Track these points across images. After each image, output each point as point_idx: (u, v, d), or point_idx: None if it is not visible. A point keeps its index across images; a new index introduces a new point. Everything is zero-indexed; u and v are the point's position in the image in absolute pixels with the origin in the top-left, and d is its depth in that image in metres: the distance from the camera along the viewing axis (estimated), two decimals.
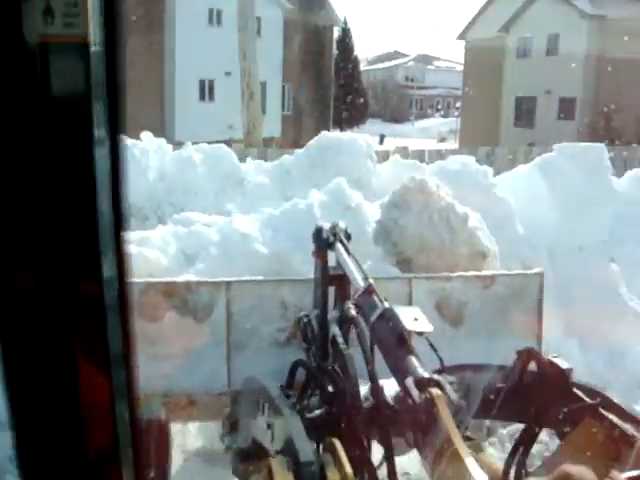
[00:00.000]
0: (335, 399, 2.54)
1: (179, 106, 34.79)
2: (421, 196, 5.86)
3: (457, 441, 1.75)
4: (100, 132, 0.74)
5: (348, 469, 1.76)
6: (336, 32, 51.44)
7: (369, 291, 2.85)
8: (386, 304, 2.60)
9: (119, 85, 0.75)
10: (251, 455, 2.55)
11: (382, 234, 5.99)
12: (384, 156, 9.77)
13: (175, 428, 4.70)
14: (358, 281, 3.08)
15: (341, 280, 3.55)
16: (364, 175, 8.58)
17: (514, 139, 35.01)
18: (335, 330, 3.36)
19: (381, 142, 44.94)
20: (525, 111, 41.46)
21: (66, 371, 0.72)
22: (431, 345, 2.48)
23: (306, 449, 1.86)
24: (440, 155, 10.74)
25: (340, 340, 3.17)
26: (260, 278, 5.15)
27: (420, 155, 10.71)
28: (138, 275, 5.67)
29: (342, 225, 3.95)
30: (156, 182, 8.38)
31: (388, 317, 2.50)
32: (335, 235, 3.82)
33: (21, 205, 0.68)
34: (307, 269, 4.63)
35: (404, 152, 10.35)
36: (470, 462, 1.68)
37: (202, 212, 7.49)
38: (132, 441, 0.78)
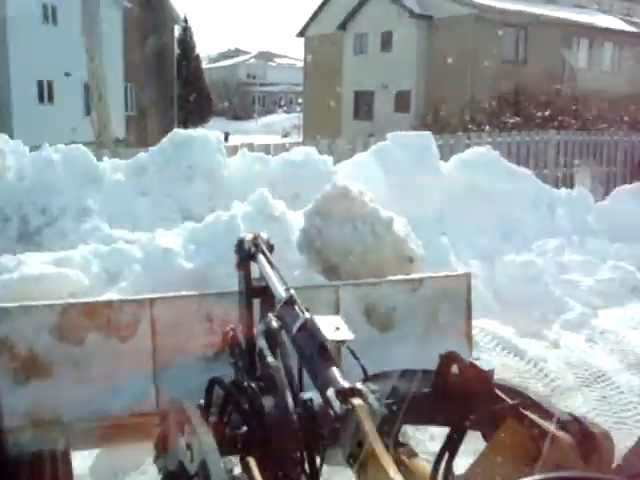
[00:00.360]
0: (252, 416, 2.49)
1: (17, 109, 33.72)
2: (343, 203, 5.85)
3: (379, 450, 1.71)
4: None
5: None
6: (177, 31, 52.00)
7: (290, 302, 2.80)
8: (307, 315, 2.55)
9: None
10: (177, 477, 2.47)
11: (306, 242, 5.96)
12: (233, 151, 10.18)
13: (103, 453, 4.57)
14: (279, 292, 3.03)
15: (265, 292, 3.49)
16: (216, 168, 9.07)
17: (354, 131, 36.12)
18: (262, 343, 3.30)
19: (226, 139, 45.67)
20: (364, 105, 42.91)
21: None
22: (353, 354, 2.45)
23: (218, 472, 1.80)
24: (284, 148, 11.16)
25: (267, 353, 3.11)
26: (184, 293, 5.05)
27: (266, 149, 11.15)
28: (59, 296, 5.50)
29: (264, 236, 3.89)
30: (15, 183, 8.50)
31: (309, 328, 2.45)
32: (257, 246, 3.76)
33: None
34: (233, 282, 4.56)
35: (250, 147, 10.83)
36: (392, 470, 1.64)
37: (62, 210, 8.03)
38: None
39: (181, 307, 4.81)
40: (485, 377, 2.14)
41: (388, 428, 2.13)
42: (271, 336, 2.95)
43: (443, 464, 2.11)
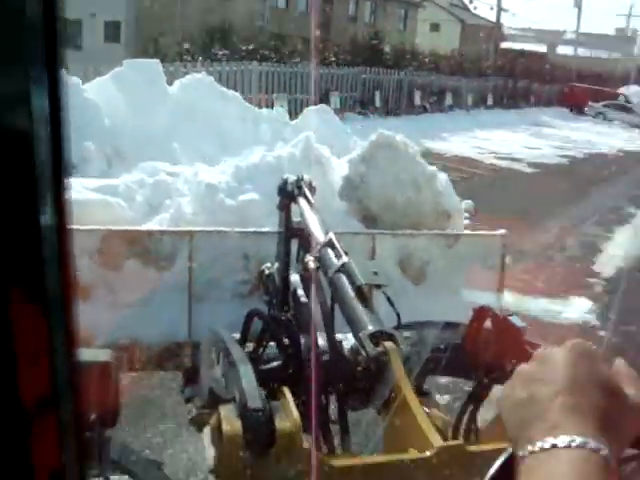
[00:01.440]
0: (289, 349, 2.49)
1: None
2: (389, 153, 5.77)
3: (407, 392, 1.70)
4: (36, 66, 0.64)
5: (296, 417, 1.72)
6: None
7: (330, 244, 2.78)
8: (345, 258, 2.53)
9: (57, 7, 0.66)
10: (207, 405, 2.50)
11: (348, 190, 5.91)
12: None
13: (133, 378, 4.64)
14: (319, 234, 3.01)
15: (304, 233, 3.47)
16: None
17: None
18: (296, 283, 3.30)
19: None
20: (71, 35, 41.53)
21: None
22: (388, 300, 2.43)
23: (255, 396, 1.80)
24: None
25: (300, 293, 3.12)
26: (224, 229, 5.05)
27: None
28: (101, 223, 5.55)
29: (307, 178, 3.85)
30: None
31: (346, 270, 2.44)
32: (299, 188, 3.73)
33: None
34: (273, 222, 4.56)
35: None
36: (418, 412, 1.64)
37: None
38: (72, 386, 0.71)
39: (220, 242, 4.82)
40: (518, 333, 2.11)
41: (415, 374, 2.12)
42: (308, 276, 2.95)
43: (466, 416, 2.10)
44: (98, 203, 5.89)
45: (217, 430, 1.65)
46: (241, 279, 4.78)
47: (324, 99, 20.82)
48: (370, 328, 2.03)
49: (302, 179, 3.80)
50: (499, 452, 0.90)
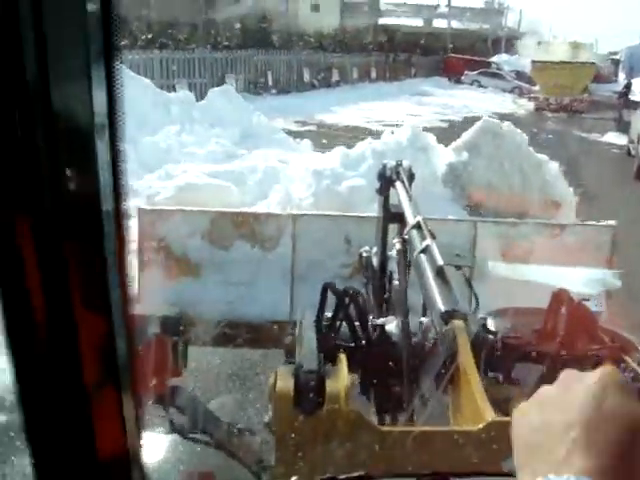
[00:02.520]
0: (357, 322, 2.58)
1: None
2: (493, 140, 5.72)
3: (469, 369, 1.75)
4: (96, 65, 0.68)
5: (346, 381, 1.80)
6: None
7: (417, 227, 2.84)
8: (428, 240, 2.58)
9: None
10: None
11: (451, 177, 5.90)
12: None
13: (235, 354, 4.83)
14: (409, 217, 3.07)
15: (402, 218, 3.53)
16: None
17: None
18: (392, 266, 3.37)
19: None
20: None
21: (61, 308, 0.71)
22: (467, 281, 2.47)
23: (311, 359, 1.89)
24: None
25: (395, 276, 3.18)
26: (326, 213, 5.18)
27: None
28: (215, 205, 5.81)
29: (405, 164, 3.90)
30: None
31: (429, 251, 2.49)
32: (398, 174, 3.79)
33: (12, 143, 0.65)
34: (376, 207, 4.63)
35: None
36: (477, 388, 1.68)
37: None
38: (131, 368, 0.81)
39: (322, 226, 4.94)
40: (592, 318, 2.11)
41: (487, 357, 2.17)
42: (398, 258, 3.02)
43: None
44: (212, 187, 6.15)
45: (273, 387, 1.75)
46: (342, 262, 4.89)
47: (220, 82, 22.03)
48: (442, 307, 2.08)
49: (401, 165, 3.86)
50: None
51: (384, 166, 3.91)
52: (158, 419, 1.73)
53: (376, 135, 17.89)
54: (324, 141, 14.89)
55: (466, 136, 6.01)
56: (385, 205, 3.86)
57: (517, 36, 64.43)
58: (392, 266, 3.41)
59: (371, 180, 5.37)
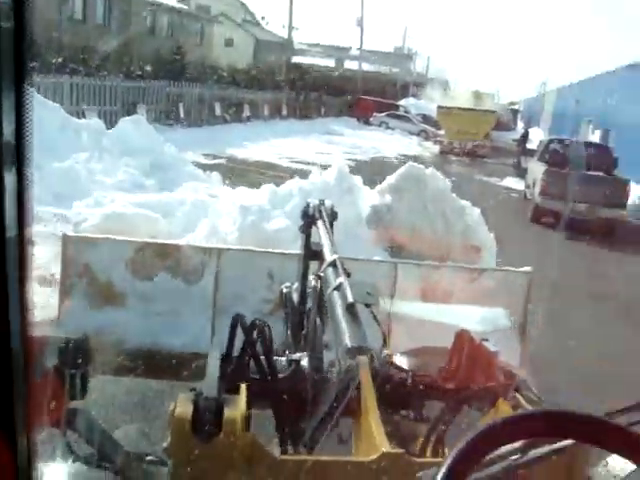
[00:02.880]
0: (261, 356, 2.64)
1: None
2: (417, 184, 5.91)
3: (369, 401, 1.83)
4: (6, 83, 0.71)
5: (243, 410, 1.84)
6: None
7: (333, 264, 2.92)
8: (342, 278, 2.67)
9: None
10: None
11: (375, 218, 6.06)
12: None
13: (146, 384, 4.79)
14: (327, 255, 3.16)
15: (322, 256, 3.61)
16: None
17: None
18: (310, 303, 3.44)
19: None
20: None
21: None
22: (375, 318, 2.56)
23: (212, 386, 1.92)
24: None
25: (313, 312, 3.25)
26: (250, 248, 5.24)
27: None
28: (142, 235, 5.81)
29: (328, 204, 4.00)
30: None
31: (342, 288, 2.57)
32: (320, 212, 3.88)
33: None
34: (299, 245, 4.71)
35: None
36: (374, 420, 1.75)
37: None
38: (24, 403, 0.80)
39: (245, 261, 5.00)
40: (490, 357, 2.22)
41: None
42: (311, 294, 3.10)
43: (435, 434, 2.21)
44: (140, 217, 6.15)
45: (172, 413, 1.78)
46: (264, 297, 4.95)
47: (131, 111, 21.96)
48: (348, 343, 2.15)
49: (323, 204, 3.96)
50: (437, 465, 1.03)
51: (307, 205, 4.00)
52: (55, 444, 1.73)
53: (286, 172, 17.37)
54: (233, 176, 14.80)
55: (391, 179, 6.19)
56: (307, 243, 3.93)
57: (424, 81, 66.74)
58: (310, 302, 3.48)
59: (296, 218, 5.48)
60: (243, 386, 1.95)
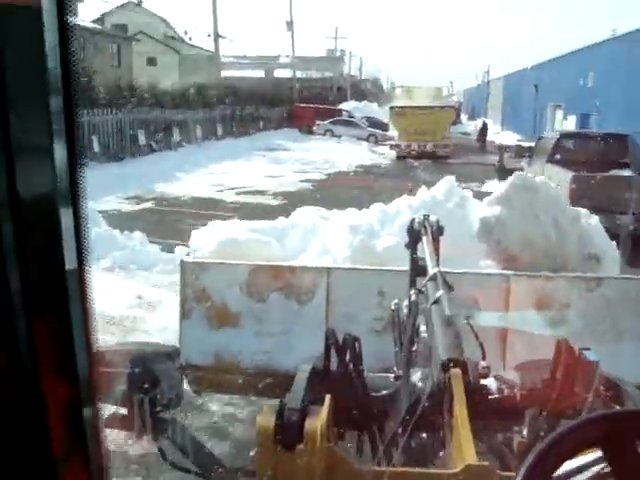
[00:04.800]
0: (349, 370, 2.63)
1: None
2: (526, 193, 5.75)
3: (461, 414, 1.79)
4: (56, 116, 0.72)
5: (325, 421, 1.85)
6: None
7: (434, 279, 2.90)
8: (441, 291, 2.65)
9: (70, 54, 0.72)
10: None
11: (485, 231, 5.93)
12: None
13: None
14: (429, 269, 3.14)
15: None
16: None
17: None
18: (420, 319, 3.42)
19: None
20: None
21: (27, 373, 0.72)
22: (473, 331, 2.51)
23: (296, 397, 1.94)
24: None
25: (423, 327, 3.23)
26: (359, 267, 5.25)
27: None
28: (253, 260, 5.95)
29: (433, 218, 3.98)
30: None
31: (441, 302, 2.55)
32: (425, 228, 3.86)
33: None
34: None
35: None
36: (464, 432, 1.71)
37: None
38: (96, 440, 0.84)
39: (355, 279, 5.01)
40: (592, 367, 2.13)
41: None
42: (412, 309, 3.08)
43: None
44: (253, 242, 6.31)
45: (257, 422, 1.82)
46: (375, 315, 4.94)
47: None
48: (443, 356, 2.13)
49: (427, 219, 3.93)
50: None
51: (412, 221, 3.99)
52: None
53: (233, 209, 15.00)
54: (162, 227, 11.71)
55: (500, 190, 6.06)
56: (413, 258, 3.92)
57: (359, 83, 65.17)
58: (420, 319, 3.46)
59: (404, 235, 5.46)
60: (327, 398, 1.97)
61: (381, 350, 4.07)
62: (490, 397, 2.25)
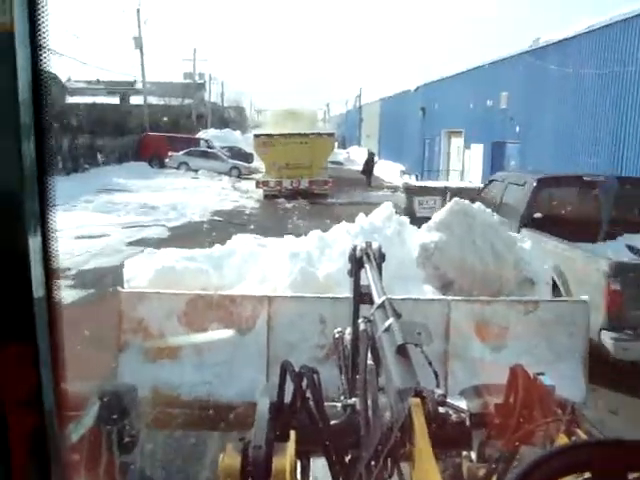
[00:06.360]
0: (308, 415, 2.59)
1: None
2: (464, 219, 5.85)
3: (424, 445, 1.77)
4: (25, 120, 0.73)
5: (292, 458, 1.81)
6: None
7: (382, 306, 2.89)
8: (391, 319, 2.63)
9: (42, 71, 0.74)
10: None
11: (424, 257, 6.00)
12: None
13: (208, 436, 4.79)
14: (375, 297, 3.12)
15: (372, 298, 3.57)
16: None
17: None
18: (363, 347, 3.40)
19: None
20: None
21: None
22: (427, 358, 2.50)
23: (260, 434, 1.90)
24: None
25: (363, 357, 3.21)
26: (300, 294, 5.24)
27: None
28: (190, 289, 5.86)
29: (375, 245, 3.98)
30: None
31: (391, 330, 2.53)
32: (367, 255, 3.86)
33: None
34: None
35: None
36: (430, 465, 1.69)
37: None
38: (60, 471, 0.81)
39: (297, 307, 5.00)
40: (547, 392, 2.15)
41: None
42: (361, 338, 3.06)
43: (495, 474, 2.14)
44: (190, 270, 6.21)
45: (221, 462, 1.77)
46: (317, 343, 4.92)
47: None
48: (399, 385, 2.10)
49: (370, 246, 3.93)
50: None
51: (354, 248, 3.98)
52: None
53: None
54: None
55: (439, 216, 6.14)
56: (356, 286, 3.90)
57: (221, 110, 60.22)
58: (362, 346, 3.44)
59: (346, 262, 5.46)
60: (292, 434, 1.92)
61: (324, 379, 4.02)
62: (448, 424, 2.24)
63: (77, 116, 33.18)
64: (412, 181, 25.04)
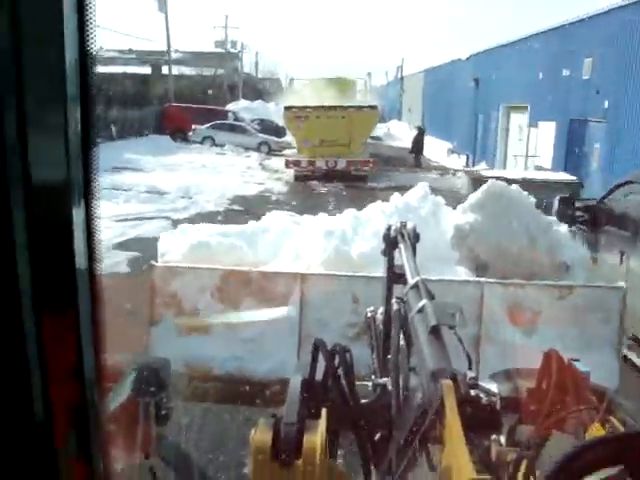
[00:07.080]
0: (335, 383, 2.60)
1: None
2: (500, 201, 5.79)
3: (454, 427, 1.77)
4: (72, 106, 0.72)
5: (323, 435, 1.82)
6: None
7: (415, 287, 2.88)
8: (424, 300, 2.62)
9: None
10: None
11: (459, 238, 5.96)
12: None
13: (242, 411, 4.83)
14: (409, 278, 3.11)
15: (406, 278, 3.56)
16: None
17: None
18: (395, 326, 3.40)
19: None
20: None
21: (33, 333, 0.72)
22: (459, 340, 2.49)
23: (292, 411, 1.91)
24: None
25: (396, 337, 3.21)
26: (333, 272, 5.24)
27: None
28: (224, 264, 5.89)
29: (409, 225, 3.96)
30: None
31: (425, 311, 2.53)
32: (402, 235, 3.84)
33: None
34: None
35: None
36: (460, 446, 1.69)
37: None
38: (100, 441, 0.83)
39: (329, 285, 5.01)
40: (582, 378, 2.13)
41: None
42: (394, 318, 3.06)
43: (526, 460, 2.12)
44: (224, 246, 6.25)
45: (252, 439, 1.78)
46: (349, 321, 4.93)
47: None
48: (431, 367, 2.10)
49: (405, 226, 3.91)
50: None
51: (388, 228, 3.96)
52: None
53: None
54: None
55: (474, 197, 6.08)
56: (389, 266, 3.89)
57: (255, 81, 56.68)
58: (395, 326, 3.43)
59: (378, 241, 5.45)
60: (324, 411, 1.93)
61: (355, 358, 4.04)
62: (479, 408, 2.24)
63: (97, 88, 30.47)
64: (483, 170, 19.78)
